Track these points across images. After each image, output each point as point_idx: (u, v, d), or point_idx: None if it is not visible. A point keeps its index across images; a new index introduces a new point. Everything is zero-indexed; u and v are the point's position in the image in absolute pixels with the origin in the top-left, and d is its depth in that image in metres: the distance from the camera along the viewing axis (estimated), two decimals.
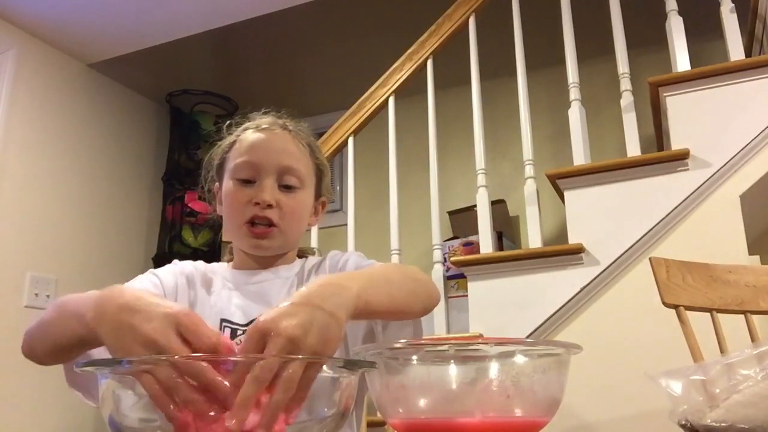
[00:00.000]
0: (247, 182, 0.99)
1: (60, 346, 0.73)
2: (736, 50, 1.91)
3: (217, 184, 1.07)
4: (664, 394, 0.72)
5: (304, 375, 0.55)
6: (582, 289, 1.81)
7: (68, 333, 0.70)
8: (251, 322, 0.95)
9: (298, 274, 1.04)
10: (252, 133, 1.01)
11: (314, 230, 2.24)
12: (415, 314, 0.86)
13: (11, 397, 2.53)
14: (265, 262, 1.04)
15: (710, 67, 1.87)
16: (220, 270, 1.07)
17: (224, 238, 1.09)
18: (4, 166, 2.65)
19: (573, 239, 1.87)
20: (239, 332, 0.96)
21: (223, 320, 0.98)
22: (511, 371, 0.59)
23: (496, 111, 2.65)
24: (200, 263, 1.08)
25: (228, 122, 1.07)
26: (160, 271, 1.04)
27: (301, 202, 1.02)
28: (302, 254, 1.12)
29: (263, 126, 1.02)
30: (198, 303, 1.01)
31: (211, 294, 1.02)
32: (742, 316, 1.28)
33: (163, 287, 1.00)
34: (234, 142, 1.03)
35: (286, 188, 0.99)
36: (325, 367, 0.58)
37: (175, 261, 1.07)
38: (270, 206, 0.97)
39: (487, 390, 0.57)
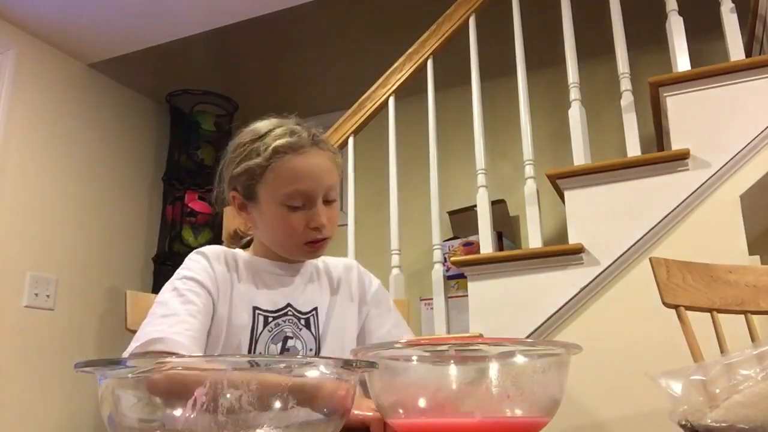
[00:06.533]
0: (297, 207, 1.08)
1: None
2: (736, 50, 1.91)
3: (235, 193, 1.13)
4: (664, 394, 0.72)
5: None
6: (582, 289, 1.81)
7: None
8: (278, 309, 1.11)
9: (321, 275, 1.20)
10: (293, 160, 1.07)
11: None
12: None
13: (12, 397, 2.52)
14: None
15: (710, 67, 1.87)
16: (242, 256, 1.16)
17: (259, 242, 1.18)
18: (4, 166, 2.65)
19: (573, 239, 1.87)
20: (270, 319, 1.10)
21: (255, 308, 1.10)
22: (511, 371, 0.59)
23: (496, 111, 2.65)
24: (224, 248, 1.16)
25: (247, 140, 1.11)
26: (209, 253, 1.11)
27: (337, 209, 1.14)
28: None
29: (302, 151, 1.08)
30: (233, 287, 1.11)
31: (240, 281, 1.12)
32: (742, 316, 1.28)
33: (215, 277, 1.08)
34: (267, 167, 1.07)
35: (328, 202, 1.11)
36: (325, 368, 0.59)
37: (205, 250, 1.12)
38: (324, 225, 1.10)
39: (487, 390, 0.57)
